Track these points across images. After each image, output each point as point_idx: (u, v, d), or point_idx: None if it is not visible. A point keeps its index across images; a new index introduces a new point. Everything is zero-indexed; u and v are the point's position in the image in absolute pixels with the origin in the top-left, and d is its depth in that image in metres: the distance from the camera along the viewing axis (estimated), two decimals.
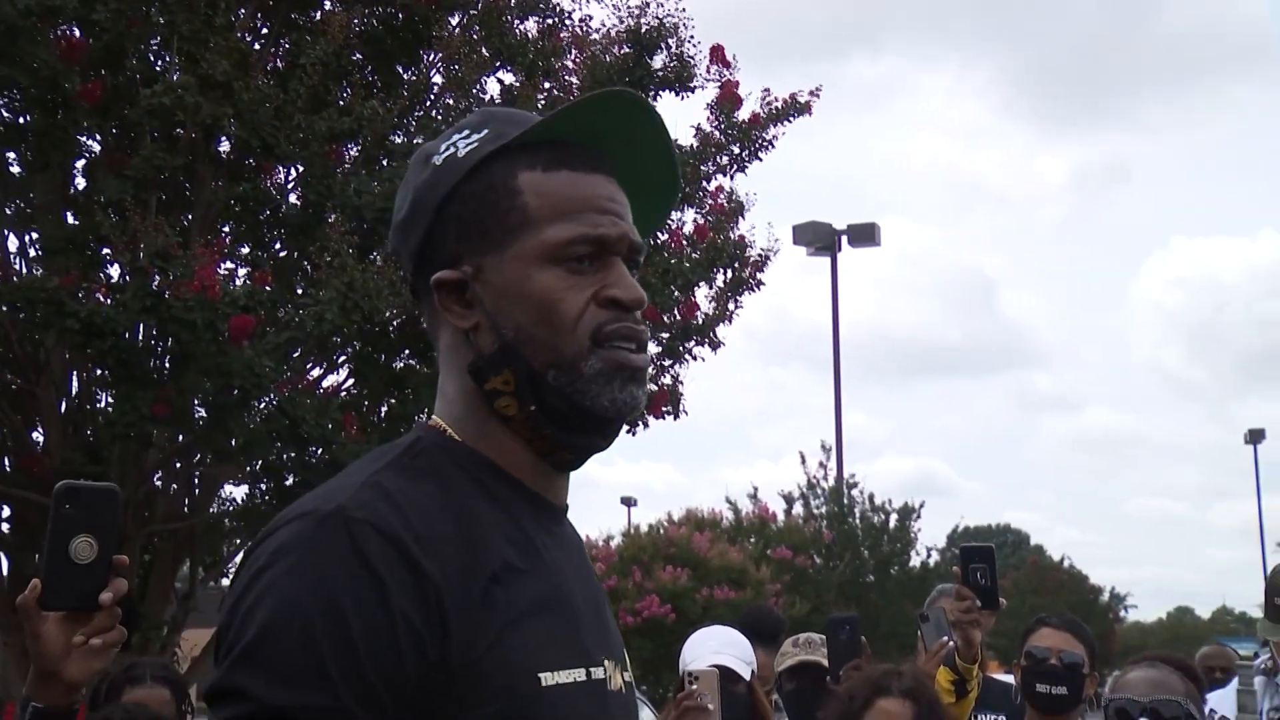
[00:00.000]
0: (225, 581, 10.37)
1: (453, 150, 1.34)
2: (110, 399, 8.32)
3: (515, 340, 1.29)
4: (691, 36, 9.50)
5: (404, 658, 1.12)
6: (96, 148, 8.64)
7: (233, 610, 1.15)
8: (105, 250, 8.05)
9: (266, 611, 1.12)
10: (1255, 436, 36.06)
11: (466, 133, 1.35)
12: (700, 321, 9.85)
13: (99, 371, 8.45)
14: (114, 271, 8.29)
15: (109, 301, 7.37)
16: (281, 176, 8.92)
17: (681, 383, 10.03)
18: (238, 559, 9.97)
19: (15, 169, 8.77)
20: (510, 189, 1.31)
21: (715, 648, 3.53)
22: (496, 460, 1.30)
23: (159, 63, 8.26)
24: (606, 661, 1.31)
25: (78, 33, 7.86)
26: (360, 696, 1.10)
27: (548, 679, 1.20)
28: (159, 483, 9.08)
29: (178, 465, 9.11)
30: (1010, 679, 3.90)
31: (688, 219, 9.95)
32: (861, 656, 3.74)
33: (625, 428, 9.00)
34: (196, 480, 9.30)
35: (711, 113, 9.86)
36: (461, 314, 1.31)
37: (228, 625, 1.15)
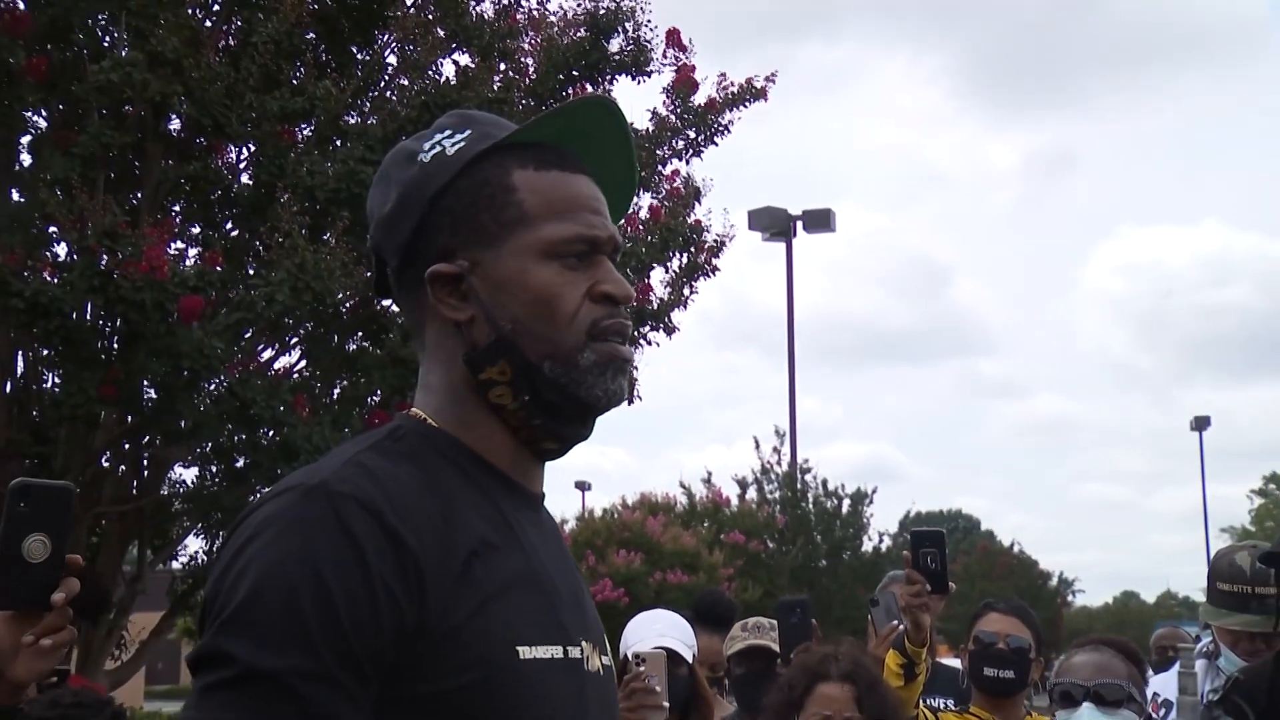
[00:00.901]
0: (175, 564, 10.28)
1: (439, 149, 1.39)
2: (57, 379, 8.22)
3: (513, 332, 1.34)
4: (648, 20, 9.49)
5: (383, 625, 1.16)
6: (42, 124, 8.50)
7: (219, 579, 1.19)
8: (51, 229, 7.93)
9: (252, 579, 1.15)
10: (1200, 423, 36.57)
11: (449, 133, 1.41)
12: (655, 306, 9.85)
13: (45, 351, 8.33)
14: (60, 250, 8.17)
15: (55, 280, 7.27)
16: (233, 156, 8.81)
17: (636, 368, 10.02)
18: (188, 541, 9.91)
19: None
20: (506, 186, 1.37)
21: (659, 630, 3.54)
22: (475, 448, 1.36)
23: (107, 38, 8.14)
24: (584, 642, 1.35)
25: (22, 5, 7.73)
26: (341, 660, 1.14)
27: (525, 652, 1.24)
28: (107, 464, 8.98)
29: (126, 447, 9.00)
30: (958, 663, 3.93)
31: (643, 203, 9.94)
32: (812, 639, 3.75)
33: None
34: (145, 462, 9.20)
35: (667, 97, 9.85)
36: (457, 306, 1.36)
37: (215, 594, 1.19)
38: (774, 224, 22.82)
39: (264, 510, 1.22)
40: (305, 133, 8.57)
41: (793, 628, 3.86)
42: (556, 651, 1.28)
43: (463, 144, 1.39)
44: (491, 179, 1.38)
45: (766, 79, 10.04)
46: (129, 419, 8.48)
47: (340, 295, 7.89)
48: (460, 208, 1.37)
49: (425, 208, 1.37)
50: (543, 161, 1.40)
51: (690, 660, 3.54)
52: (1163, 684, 3.70)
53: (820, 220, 23.10)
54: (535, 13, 9.55)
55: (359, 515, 1.18)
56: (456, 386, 1.37)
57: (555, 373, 1.35)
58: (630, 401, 9.97)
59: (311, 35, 8.63)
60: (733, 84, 9.94)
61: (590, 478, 38.08)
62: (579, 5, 9.37)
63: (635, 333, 9.82)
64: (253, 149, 8.50)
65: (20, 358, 8.74)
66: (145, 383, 7.96)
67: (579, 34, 9.23)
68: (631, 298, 1.42)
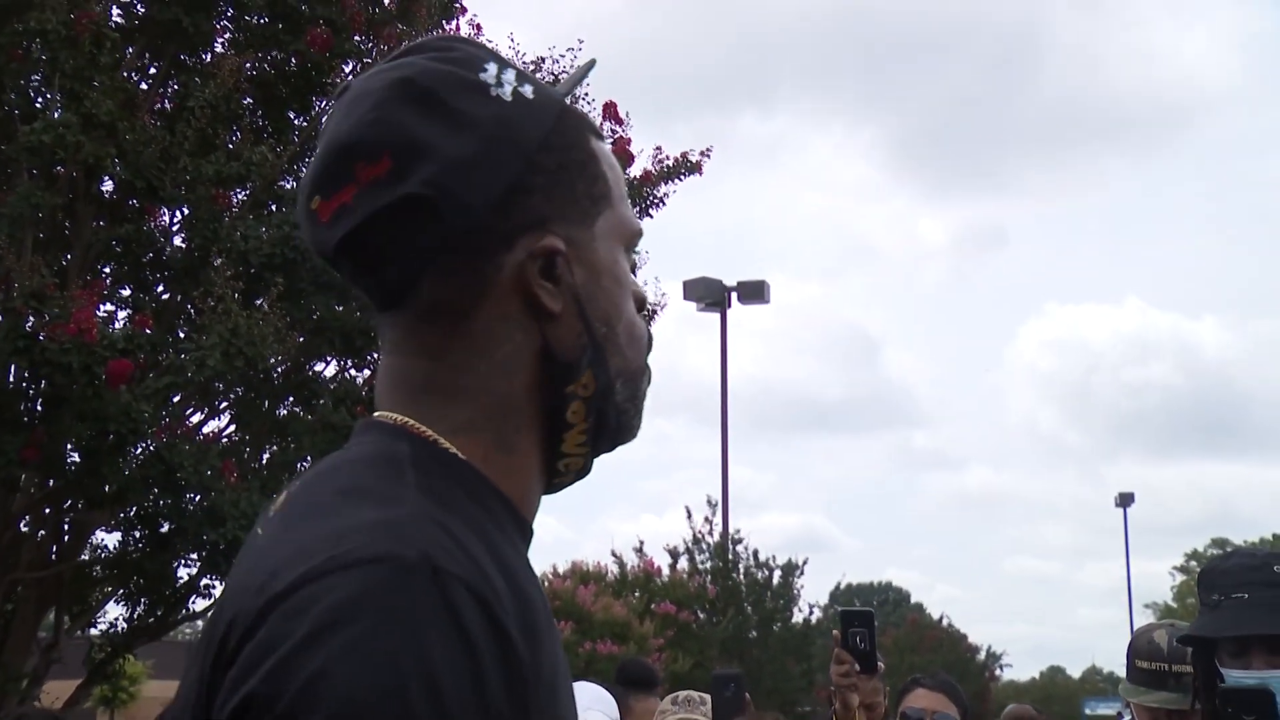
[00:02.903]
0: (93, 631, 10.04)
1: (512, 86, 1.09)
2: None
3: (605, 337, 1.10)
4: (585, 93, 9.60)
5: None
6: None
7: (282, 673, 0.87)
8: None
9: (340, 689, 0.85)
10: (1125, 500, 37.09)
11: (496, 69, 1.10)
12: None
13: None
14: None
15: None
16: (166, 219, 8.76)
17: None
18: (108, 607, 9.70)
19: None
20: (591, 151, 1.13)
21: (584, 704, 3.54)
22: (498, 481, 1.06)
23: (39, 99, 8.09)
24: None
25: None
26: None
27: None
28: (25, 528, 8.78)
29: (46, 511, 8.82)
30: None
31: None
32: (745, 714, 3.76)
33: None
34: (66, 526, 9.02)
35: None
36: (552, 292, 1.07)
37: (275, 693, 0.86)
38: (709, 294, 22.99)
39: (336, 585, 0.89)
40: (240, 197, 8.55)
41: (727, 701, 3.85)
42: None
43: (534, 90, 1.10)
44: (577, 141, 1.11)
45: (702, 153, 10.20)
46: (50, 483, 8.32)
47: (272, 361, 7.83)
48: (553, 168, 1.08)
49: (526, 159, 1.07)
50: (598, 132, 1.15)
51: None
52: None
53: (754, 291, 23.32)
54: None
55: (471, 607, 0.90)
56: (514, 394, 1.07)
57: (623, 394, 1.12)
58: None
59: (249, 101, 8.64)
60: (668, 157, 10.08)
61: None
62: None
63: None
64: (186, 212, 8.45)
65: None
66: (69, 446, 7.83)
67: None
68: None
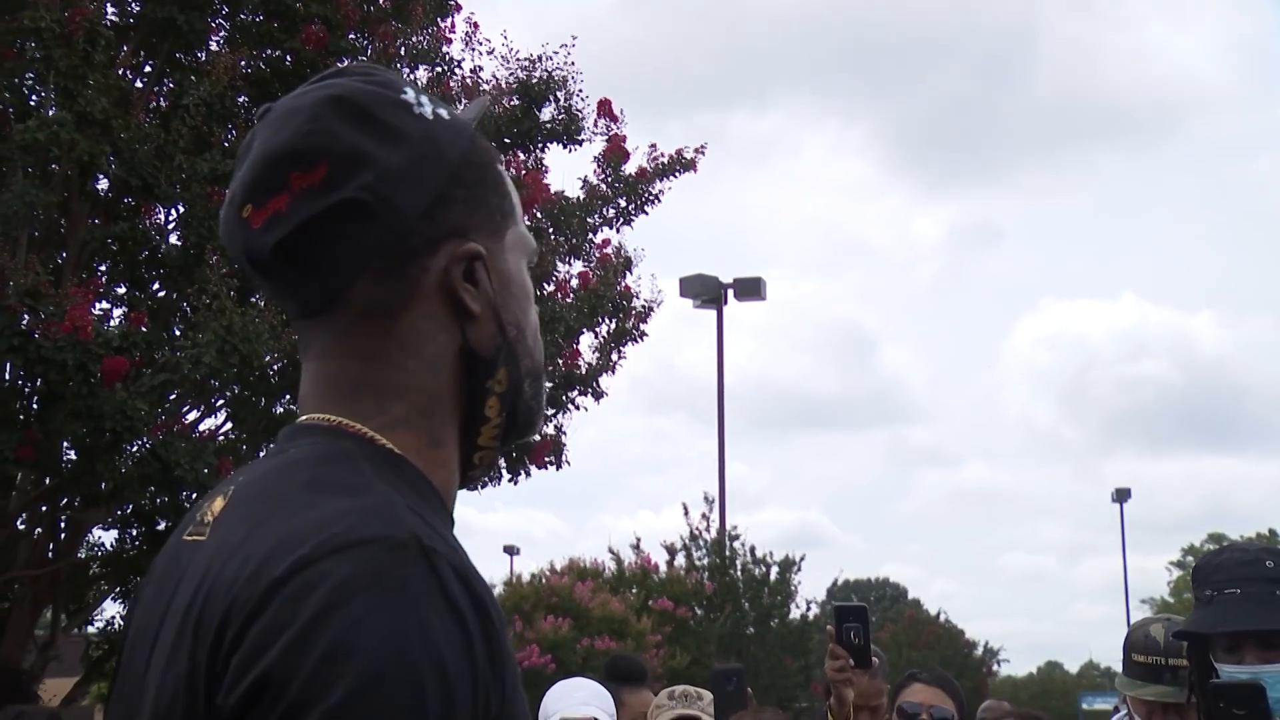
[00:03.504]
0: (90, 629, 10.04)
1: (430, 107, 1.17)
2: None
3: (515, 338, 1.18)
4: (580, 90, 9.60)
5: (477, 715, 0.96)
6: None
7: (289, 655, 0.91)
8: None
9: (367, 655, 0.90)
10: (1121, 495, 37.11)
11: (414, 94, 1.18)
12: (584, 371, 9.88)
13: None
14: None
15: None
16: (161, 217, 8.76)
17: (564, 433, 10.03)
18: (104, 605, 9.70)
19: None
20: (498, 174, 1.21)
21: (583, 699, 3.56)
22: (430, 474, 1.12)
23: (34, 97, 8.08)
24: None
25: None
26: None
27: None
28: (22, 526, 8.78)
29: (43, 509, 8.82)
30: None
31: (574, 270, 10.01)
32: (747, 709, 3.77)
33: (508, 475, 8.86)
34: (63, 525, 9.02)
35: (599, 166, 9.96)
36: (473, 294, 1.14)
37: (290, 672, 0.91)
38: (705, 291, 22.99)
39: (337, 565, 0.94)
40: None
41: (728, 696, 3.87)
42: None
43: (445, 111, 1.19)
44: (489, 160, 1.20)
45: (696, 150, 10.21)
46: (46, 481, 8.32)
47: (268, 358, 7.83)
48: (472, 182, 1.17)
49: (451, 172, 1.15)
50: (499, 158, 1.25)
51: None
52: None
53: (751, 288, 23.32)
54: (468, 80, 9.63)
55: (456, 582, 0.97)
56: (442, 390, 1.14)
57: (529, 392, 1.19)
58: (559, 466, 9.95)
59: (243, 99, 8.63)
60: (663, 154, 10.08)
61: (518, 542, 37.86)
62: (511, 74, 9.47)
63: (564, 396, 9.84)
64: (181, 210, 8.45)
65: None
66: (65, 444, 7.83)
67: (512, 102, 9.33)
68: None
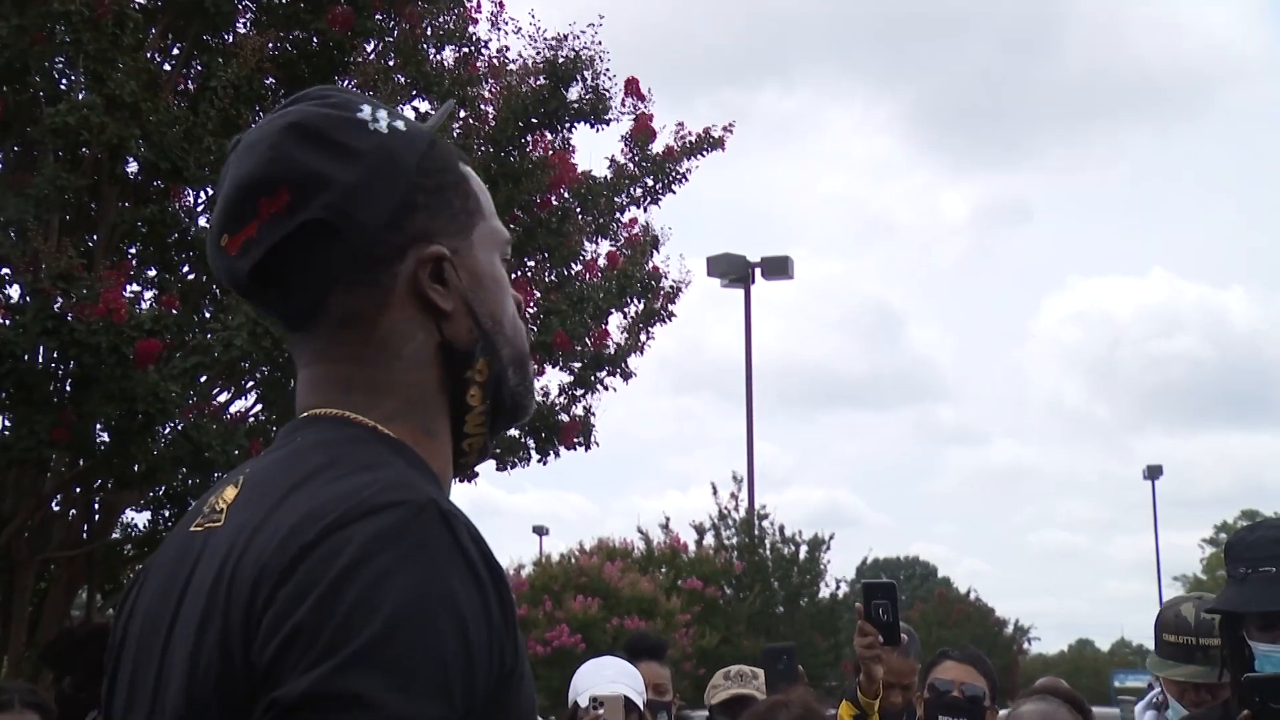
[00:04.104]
0: None
1: (386, 121, 1.26)
2: (7, 422, 8.13)
3: (492, 329, 1.26)
4: (607, 69, 9.57)
5: (493, 668, 1.04)
6: None
7: (320, 608, 0.98)
8: (4, 271, 7.87)
9: (391, 605, 0.97)
10: (1153, 473, 36.92)
11: (369, 109, 1.27)
12: (612, 351, 9.88)
13: None
14: (14, 293, 8.10)
15: (8, 323, 7.20)
16: (191, 199, 8.80)
17: (593, 413, 10.04)
18: None
19: None
20: (461, 173, 1.30)
21: (612, 676, 3.59)
22: (431, 464, 1.21)
23: (64, 81, 8.12)
24: None
25: None
26: (468, 708, 1.00)
27: None
28: (57, 508, 8.87)
29: (77, 490, 8.90)
30: None
31: (602, 250, 10.00)
32: (799, 683, 3.78)
33: (536, 457, 8.83)
34: (96, 506, 9.10)
35: (626, 145, 9.93)
36: (443, 294, 1.23)
37: (317, 624, 0.98)
38: (732, 270, 22.96)
39: (364, 527, 1.02)
40: None
41: (779, 674, 3.90)
42: None
43: (401, 122, 1.28)
44: (450, 164, 1.29)
45: (724, 129, 10.15)
46: (80, 463, 8.40)
47: None
48: (432, 187, 1.25)
49: (410, 180, 1.23)
50: (464, 158, 1.34)
51: (641, 706, 3.60)
52: None
53: (778, 267, 23.26)
54: (495, 61, 9.61)
55: (472, 544, 1.06)
56: (425, 386, 1.23)
57: (515, 379, 1.28)
58: (588, 447, 9.96)
59: (271, 80, 8.64)
60: (690, 133, 10.04)
61: (547, 522, 37.98)
62: (538, 54, 9.44)
63: (593, 377, 9.85)
64: (210, 193, 8.48)
65: None
66: (98, 426, 7.89)
67: (538, 82, 9.29)
68: None
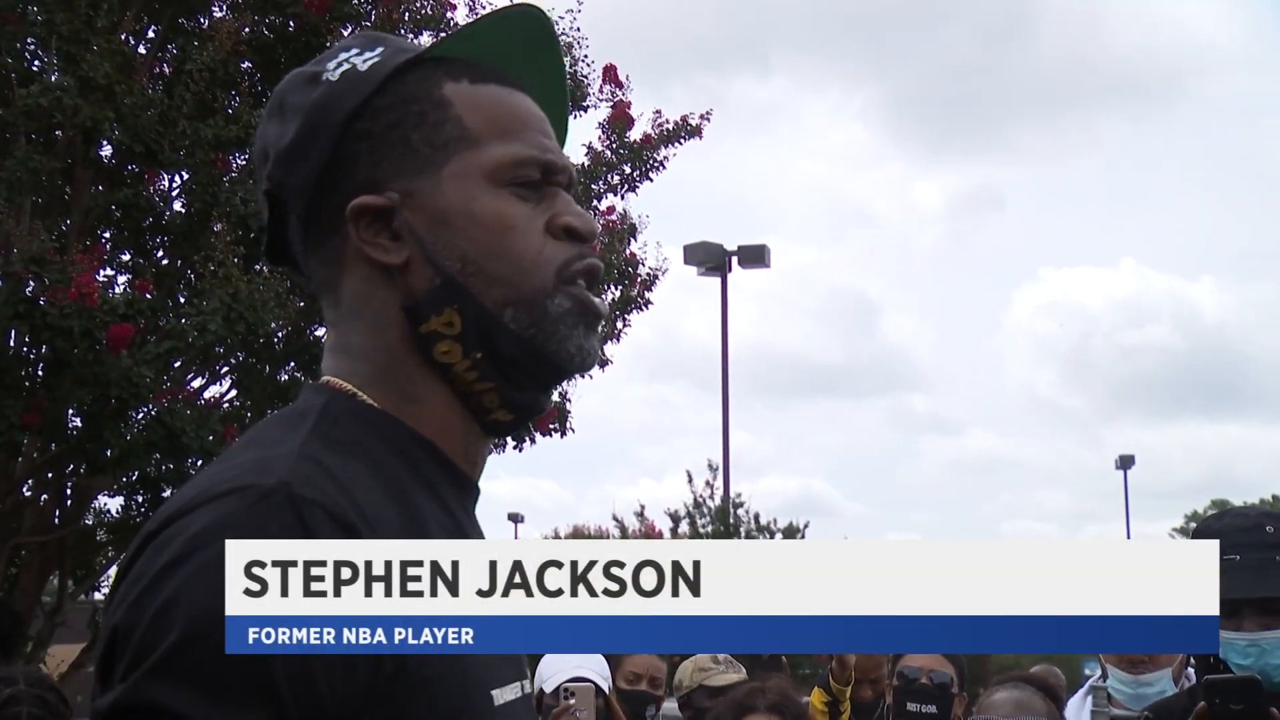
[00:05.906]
0: (97, 596, 10.09)
1: (348, 66, 1.15)
2: None
3: (462, 273, 1.11)
4: (585, 56, 9.55)
5: (358, 670, 0.93)
6: None
7: (137, 605, 0.93)
8: None
9: (191, 610, 0.90)
10: (1125, 462, 37.12)
11: (357, 50, 1.17)
12: None
13: None
14: None
15: None
16: (165, 183, 8.74)
17: (569, 400, 10.03)
18: (111, 571, 9.72)
19: None
20: (438, 100, 1.14)
21: (575, 663, 3.60)
22: (419, 428, 1.12)
23: (36, 63, 8.06)
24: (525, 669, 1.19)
25: None
26: (309, 715, 0.91)
27: (498, 697, 1.06)
28: (28, 493, 8.82)
29: (49, 475, 8.85)
30: None
31: None
32: (782, 672, 3.81)
33: (512, 443, 8.77)
34: (69, 491, 9.05)
35: (603, 132, 9.91)
36: (389, 248, 1.12)
37: (131, 624, 0.92)
38: (709, 258, 22.93)
39: (197, 519, 0.95)
40: (240, 161, 8.52)
41: (762, 661, 3.93)
42: (518, 690, 1.10)
43: (376, 60, 1.15)
44: (419, 94, 1.14)
45: (702, 116, 10.15)
46: (52, 447, 8.35)
47: (273, 326, 7.83)
48: (382, 129, 1.13)
49: (337, 133, 1.12)
50: (477, 75, 1.17)
51: (606, 691, 3.64)
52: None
53: (755, 256, 23.26)
54: None
55: (328, 527, 0.95)
56: (392, 348, 1.12)
57: (520, 322, 1.11)
58: (564, 434, 9.94)
59: (247, 64, 8.59)
60: (668, 121, 10.03)
61: (522, 510, 37.89)
62: None
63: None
64: (186, 177, 8.43)
65: None
66: (70, 411, 7.85)
67: None
68: (597, 234, 1.18)
